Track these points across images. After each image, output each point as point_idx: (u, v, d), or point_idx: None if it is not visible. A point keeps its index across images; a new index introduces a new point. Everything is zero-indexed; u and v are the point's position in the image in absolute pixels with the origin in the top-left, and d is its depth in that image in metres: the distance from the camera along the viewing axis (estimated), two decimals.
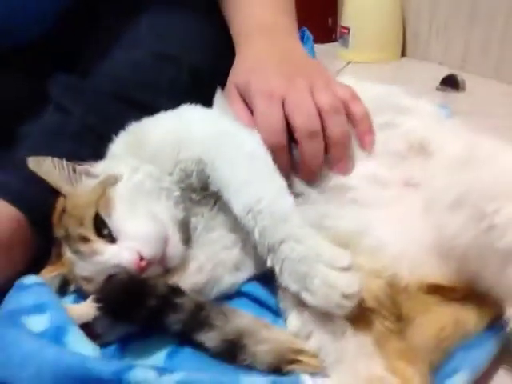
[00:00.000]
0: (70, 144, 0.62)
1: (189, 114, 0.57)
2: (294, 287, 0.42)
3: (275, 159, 0.50)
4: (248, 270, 0.53)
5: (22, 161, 0.53)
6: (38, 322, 0.42)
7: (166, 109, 0.60)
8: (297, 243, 0.43)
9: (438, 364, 0.41)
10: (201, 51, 0.72)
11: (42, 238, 0.56)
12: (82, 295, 0.50)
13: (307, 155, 0.51)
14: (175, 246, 0.49)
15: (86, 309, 0.46)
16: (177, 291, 0.45)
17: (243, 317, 0.45)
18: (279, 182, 0.48)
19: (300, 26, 1.46)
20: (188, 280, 0.49)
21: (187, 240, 0.54)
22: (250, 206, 0.45)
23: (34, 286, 0.46)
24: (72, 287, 0.52)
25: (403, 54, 1.60)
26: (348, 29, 1.58)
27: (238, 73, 0.59)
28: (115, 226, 0.48)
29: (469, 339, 0.42)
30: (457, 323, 0.42)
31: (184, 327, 0.44)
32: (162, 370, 0.37)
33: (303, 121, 0.51)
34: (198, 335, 0.43)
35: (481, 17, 1.29)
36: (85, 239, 0.48)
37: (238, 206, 0.47)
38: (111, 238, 0.48)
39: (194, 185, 0.54)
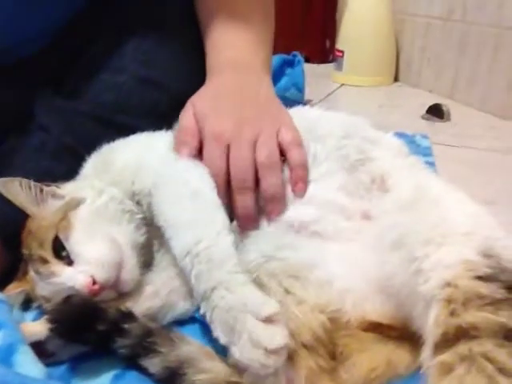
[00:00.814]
0: (48, 161, 0.65)
1: (155, 142, 0.60)
2: (223, 339, 0.42)
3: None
4: None
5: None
6: None
7: (137, 126, 0.63)
8: (227, 291, 0.43)
9: None
10: (185, 77, 0.74)
11: (11, 254, 0.59)
12: (43, 311, 0.53)
13: (238, 207, 0.53)
14: (130, 271, 0.51)
15: (40, 327, 0.48)
16: (127, 316, 0.47)
17: (189, 344, 0.47)
18: (221, 221, 0.49)
19: (298, 47, 1.50)
20: (143, 304, 0.51)
21: (148, 263, 0.56)
22: (189, 248, 0.46)
23: None
24: (35, 304, 0.54)
25: (396, 79, 1.63)
26: (342, 52, 1.61)
27: (199, 100, 0.62)
28: (72, 249, 0.50)
29: (399, 380, 0.44)
30: (389, 364, 0.44)
31: (130, 352, 0.45)
32: None
33: (237, 174, 0.54)
34: (142, 360, 0.45)
35: (470, 49, 1.31)
36: (44, 260, 0.50)
37: (177, 247, 0.48)
38: (69, 261, 0.50)
39: (146, 216, 0.56)
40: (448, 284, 0.38)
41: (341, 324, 0.46)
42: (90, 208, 0.54)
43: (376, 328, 0.46)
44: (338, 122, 0.60)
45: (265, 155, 0.55)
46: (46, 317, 0.48)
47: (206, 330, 0.52)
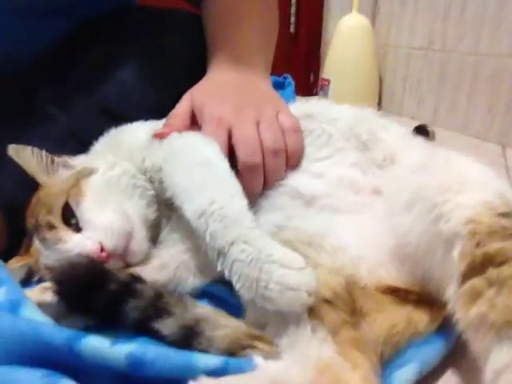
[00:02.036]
0: (53, 148, 0.64)
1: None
2: (247, 295, 0.41)
3: None
4: (212, 273, 0.53)
5: (6, 158, 0.54)
6: None
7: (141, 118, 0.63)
8: (246, 244, 0.42)
9: (389, 357, 0.41)
10: (185, 77, 0.76)
11: (12, 234, 0.57)
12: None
13: (246, 186, 0.52)
14: (139, 243, 0.50)
15: (37, 295, 0.45)
16: (138, 278, 0.45)
17: (202, 308, 0.45)
18: (233, 185, 0.48)
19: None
20: (149, 277, 0.50)
21: (154, 240, 0.55)
22: (202, 209, 0.45)
23: None
24: (36, 278, 0.52)
25: (379, 107, 1.69)
26: (328, 81, 1.67)
27: (198, 90, 0.63)
28: (82, 215, 0.49)
29: (420, 338, 0.43)
30: (409, 322, 0.43)
31: (142, 314, 0.43)
32: (115, 340, 0.37)
33: (245, 154, 0.54)
34: (155, 322, 0.43)
35: (450, 79, 1.38)
36: (52, 227, 0.49)
37: (190, 210, 0.47)
38: (77, 228, 0.49)
39: (158, 193, 0.56)
40: (471, 220, 0.38)
41: (358, 286, 0.46)
42: (102, 178, 0.53)
43: (393, 292, 0.46)
44: (348, 109, 0.63)
45: (272, 140, 0.55)
46: (43, 284, 0.46)
47: (215, 305, 0.51)
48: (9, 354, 0.35)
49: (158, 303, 0.44)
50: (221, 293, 0.51)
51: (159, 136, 0.56)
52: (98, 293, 0.43)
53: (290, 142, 0.57)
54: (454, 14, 1.33)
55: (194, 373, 0.36)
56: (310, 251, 0.48)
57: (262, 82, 0.68)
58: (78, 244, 0.47)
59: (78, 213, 0.49)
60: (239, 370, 0.37)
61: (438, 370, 0.43)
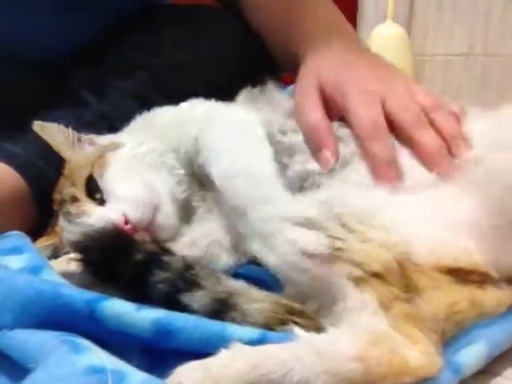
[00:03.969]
0: (84, 131, 0.63)
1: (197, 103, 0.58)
2: (255, 246, 0.41)
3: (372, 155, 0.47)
4: (246, 253, 0.49)
5: (34, 137, 0.54)
6: (15, 261, 0.39)
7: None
8: (266, 204, 0.42)
9: (451, 336, 0.36)
10: (219, 65, 0.74)
11: (40, 213, 0.55)
12: None
13: (429, 146, 0.47)
14: (166, 216, 0.48)
15: (63, 262, 0.43)
16: (166, 250, 0.42)
17: (236, 282, 0.41)
18: (265, 151, 0.46)
19: None
20: (179, 252, 0.46)
21: (186, 220, 0.52)
22: (228, 169, 0.45)
23: (14, 235, 0.45)
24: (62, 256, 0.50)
25: None
26: None
27: (321, 72, 0.55)
28: (106, 186, 0.47)
29: (488, 318, 0.37)
30: (472, 302, 0.38)
31: (170, 287, 0.39)
32: (141, 306, 0.33)
33: (412, 116, 0.49)
34: (184, 296, 0.39)
35: (493, 82, 1.33)
36: (75, 199, 0.47)
37: (216, 171, 0.46)
38: (101, 202, 0.47)
39: (195, 170, 0.53)
40: None
41: (412, 264, 0.41)
42: (128, 152, 0.51)
43: (453, 272, 0.41)
44: None
45: (428, 100, 0.50)
46: (68, 255, 0.44)
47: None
48: (24, 315, 0.32)
49: (188, 275, 0.40)
50: (256, 274, 0.47)
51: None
52: (124, 262, 0.40)
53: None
54: (496, 15, 1.29)
55: (224, 343, 0.31)
56: (360, 227, 0.43)
57: (372, 54, 0.61)
58: (101, 217, 0.45)
59: (101, 184, 0.48)
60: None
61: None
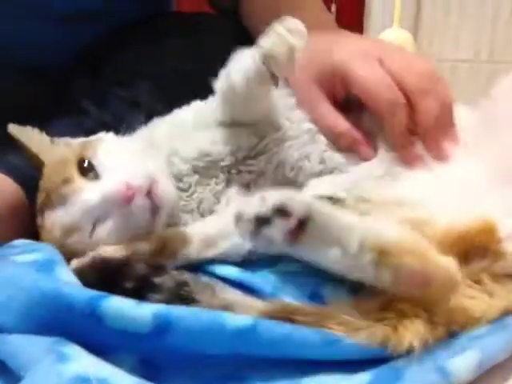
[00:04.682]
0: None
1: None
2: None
3: (391, 122, 0.47)
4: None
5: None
6: (27, 257, 0.40)
7: None
8: None
9: (443, 342, 0.36)
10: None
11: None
12: None
13: (428, 114, 0.47)
14: (165, 185, 0.47)
15: None
16: (157, 269, 0.42)
17: (231, 292, 0.41)
18: None
19: None
20: (195, 254, 0.47)
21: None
22: None
23: (22, 242, 0.45)
24: None
25: None
26: None
27: (313, 58, 0.52)
28: (101, 161, 0.46)
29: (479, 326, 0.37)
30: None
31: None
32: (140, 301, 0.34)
33: (416, 78, 0.47)
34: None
35: None
36: (67, 180, 0.45)
37: None
38: (96, 177, 0.46)
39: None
40: None
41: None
42: (118, 139, 0.52)
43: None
44: None
45: (426, 65, 0.50)
46: None
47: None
48: (29, 316, 0.33)
49: (182, 292, 0.40)
50: (252, 281, 0.47)
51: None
52: (117, 291, 0.38)
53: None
54: (502, 22, 1.28)
55: (221, 332, 0.33)
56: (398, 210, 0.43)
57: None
58: (98, 189, 0.44)
59: (95, 161, 0.46)
60: (271, 330, 0.33)
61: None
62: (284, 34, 0.43)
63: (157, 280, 0.41)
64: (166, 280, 0.41)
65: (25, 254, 0.40)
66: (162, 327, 0.33)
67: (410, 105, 0.48)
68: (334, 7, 1.49)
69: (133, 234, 0.45)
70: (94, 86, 0.71)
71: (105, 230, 0.44)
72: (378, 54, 0.49)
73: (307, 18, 0.67)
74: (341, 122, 0.50)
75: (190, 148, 0.52)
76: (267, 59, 0.44)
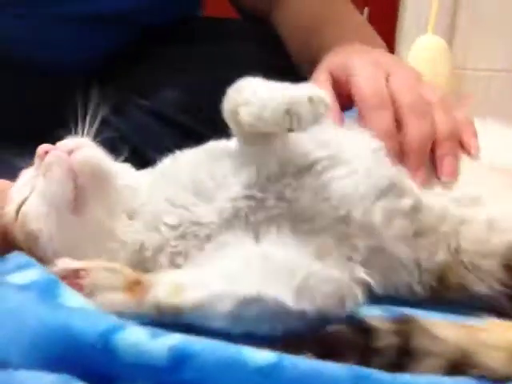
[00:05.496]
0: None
1: None
2: None
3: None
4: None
5: None
6: (23, 276, 0.37)
7: (208, 135, 0.56)
8: None
9: None
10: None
11: None
12: None
13: (417, 135, 0.44)
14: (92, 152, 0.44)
15: None
16: (372, 334, 0.35)
17: (448, 328, 0.36)
18: None
19: None
20: None
21: None
22: None
23: (15, 255, 0.41)
24: None
25: None
26: None
27: (331, 56, 0.54)
28: None
29: None
30: None
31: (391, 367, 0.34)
32: (155, 332, 0.32)
33: (413, 99, 0.46)
34: (411, 368, 0.34)
35: None
36: None
37: None
38: None
39: None
40: None
41: None
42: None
43: None
44: None
45: (437, 97, 0.47)
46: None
47: None
48: (35, 349, 0.31)
49: (408, 350, 0.34)
50: None
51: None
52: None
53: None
54: None
55: (242, 370, 0.30)
56: None
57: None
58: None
59: None
60: (296, 367, 0.30)
61: None
62: (316, 100, 0.37)
63: (378, 344, 0.34)
64: (385, 341, 0.34)
65: (20, 271, 0.38)
66: (179, 361, 0.31)
67: (401, 124, 0.45)
68: (366, 11, 1.45)
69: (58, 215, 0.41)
70: (114, 94, 0.67)
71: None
72: (389, 67, 0.48)
73: (344, 32, 0.66)
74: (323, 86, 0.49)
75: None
76: (290, 113, 0.38)
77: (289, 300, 0.35)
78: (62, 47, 0.70)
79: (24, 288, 0.36)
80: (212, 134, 0.52)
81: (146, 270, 0.41)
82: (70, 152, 0.42)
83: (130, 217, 0.43)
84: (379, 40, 0.67)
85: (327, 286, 0.37)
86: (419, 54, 1.54)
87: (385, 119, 0.45)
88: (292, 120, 0.36)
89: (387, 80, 0.47)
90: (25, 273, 0.37)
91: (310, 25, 0.69)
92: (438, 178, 0.44)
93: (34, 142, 0.59)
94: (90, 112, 0.65)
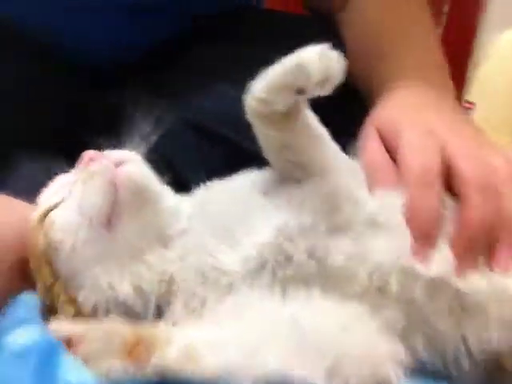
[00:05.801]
0: None
1: None
2: None
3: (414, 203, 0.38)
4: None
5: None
6: (22, 336, 0.34)
7: (244, 145, 0.54)
8: None
9: None
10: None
11: None
12: None
13: (479, 214, 0.37)
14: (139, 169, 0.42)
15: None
16: None
17: None
18: None
19: None
20: None
21: None
22: None
23: (23, 302, 0.39)
24: None
25: None
26: (473, 104, 1.47)
27: (380, 111, 0.49)
28: None
29: None
30: None
31: None
32: None
33: (475, 170, 0.39)
34: None
35: None
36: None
37: None
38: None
39: None
40: None
41: None
42: None
43: None
44: None
45: (500, 162, 0.41)
46: None
47: None
48: None
49: None
50: None
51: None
52: None
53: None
54: None
55: None
56: None
57: (453, 104, 0.53)
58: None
59: None
60: None
61: None
62: (329, 57, 0.37)
63: None
64: None
65: (14, 328, 0.35)
66: None
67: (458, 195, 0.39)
68: (446, 8, 1.35)
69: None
70: (147, 97, 0.59)
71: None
72: (444, 134, 0.42)
73: (410, 55, 0.58)
74: (378, 156, 0.43)
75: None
76: (299, 70, 0.37)
77: (320, 381, 0.31)
78: (97, 38, 0.66)
79: (22, 354, 0.32)
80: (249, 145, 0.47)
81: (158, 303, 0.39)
82: (118, 164, 0.39)
83: (164, 244, 0.40)
84: (445, 72, 0.59)
85: (362, 366, 0.33)
86: (503, 50, 1.40)
87: (428, 200, 0.38)
88: (300, 76, 0.36)
89: (444, 148, 0.40)
90: (20, 334, 0.34)
91: (375, 33, 0.62)
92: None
93: (64, 145, 0.57)
94: (135, 125, 0.61)
